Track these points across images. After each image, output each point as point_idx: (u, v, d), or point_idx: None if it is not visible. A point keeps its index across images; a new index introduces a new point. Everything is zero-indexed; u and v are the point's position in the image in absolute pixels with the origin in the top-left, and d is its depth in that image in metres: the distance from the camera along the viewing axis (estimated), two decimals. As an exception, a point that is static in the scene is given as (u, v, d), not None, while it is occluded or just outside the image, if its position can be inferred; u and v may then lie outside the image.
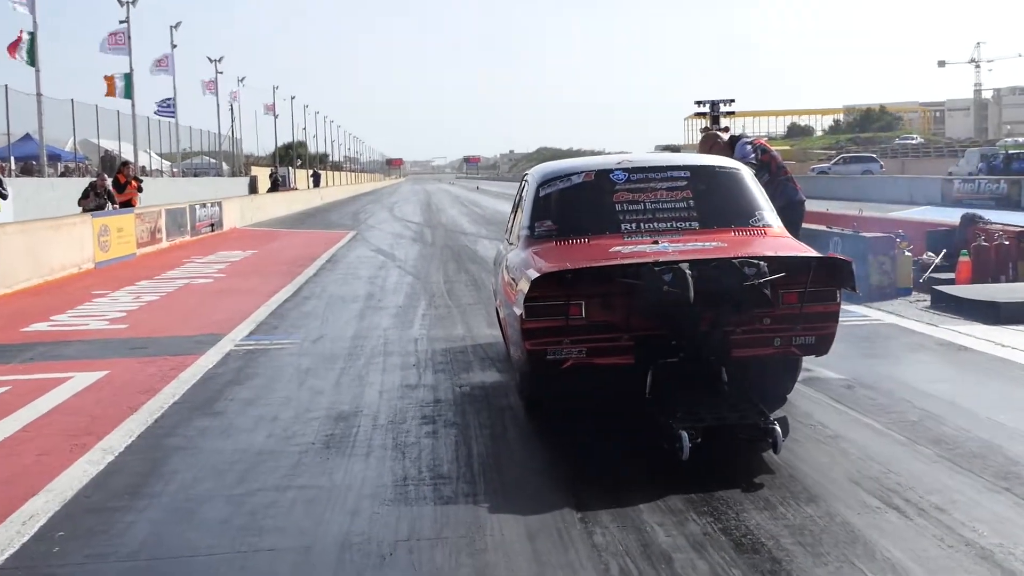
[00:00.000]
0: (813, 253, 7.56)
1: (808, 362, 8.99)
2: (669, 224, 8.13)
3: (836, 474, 6.45)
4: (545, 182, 8.66)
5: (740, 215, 8.31)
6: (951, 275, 14.66)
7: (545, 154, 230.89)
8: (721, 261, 6.92)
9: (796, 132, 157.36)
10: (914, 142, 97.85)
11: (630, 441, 7.26)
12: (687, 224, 8.12)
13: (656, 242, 7.74)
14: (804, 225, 11.87)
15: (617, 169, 8.51)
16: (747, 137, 11.19)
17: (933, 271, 15.09)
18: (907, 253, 14.50)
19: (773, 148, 11.30)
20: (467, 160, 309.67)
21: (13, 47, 31.46)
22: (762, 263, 6.88)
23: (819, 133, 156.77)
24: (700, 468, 6.48)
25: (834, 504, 5.91)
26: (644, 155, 9.91)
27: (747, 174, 8.82)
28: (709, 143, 11.43)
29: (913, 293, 14.10)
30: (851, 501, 5.95)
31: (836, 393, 8.50)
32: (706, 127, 31.63)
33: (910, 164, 76.91)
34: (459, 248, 25.51)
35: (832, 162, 74.67)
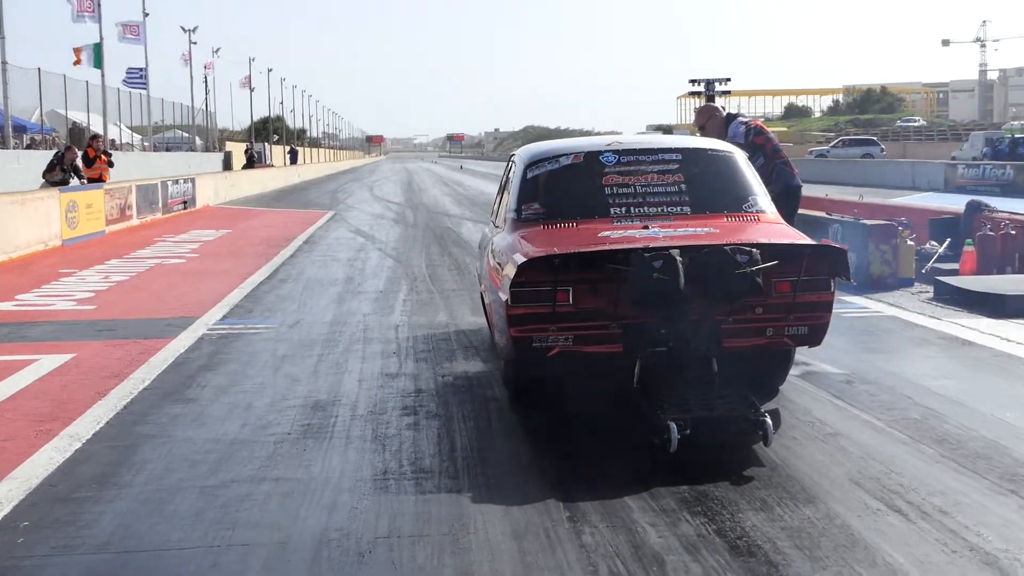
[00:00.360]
0: (807, 241, 7.39)
1: (807, 356, 8.92)
2: (660, 208, 7.93)
3: (836, 474, 6.22)
4: (532, 163, 8.45)
5: (733, 200, 8.11)
6: (955, 265, 14.25)
7: (532, 133, 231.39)
8: (713, 248, 6.76)
9: (794, 113, 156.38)
10: (916, 124, 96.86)
11: (620, 434, 7.07)
12: (678, 209, 7.93)
13: (646, 227, 7.55)
14: (804, 211, 11.61)
15: (607, 151, 8.30)
16: (743, 117, 10.89)
17: (936, 261, 14.68)
18: (909, 242, 14.06)
19: (770, 130, 10.97)
20: (451, 138, 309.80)
21: None
22: (755, 250, 6.73)
23: (817, 114, 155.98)
24: (694, 465, 6.28)
25: (833, 505, 5.69)
26: (635, 137, 9.74)
27: (741, 158, 8.62)
28: (706, 116, 11.11)
29: (915, 284, 13.66)
30: (851, 502, 5.74)
31: (835, 389, 8.26)
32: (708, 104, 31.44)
33: (912, 147, 75.57)
34: (442, 230, 25.15)
35: (831, 145, 73.29)
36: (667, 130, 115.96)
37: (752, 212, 8.03)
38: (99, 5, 42.72)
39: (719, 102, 36.44)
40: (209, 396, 8.44)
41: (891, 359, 9.44)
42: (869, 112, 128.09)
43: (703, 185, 8.13)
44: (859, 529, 5.36)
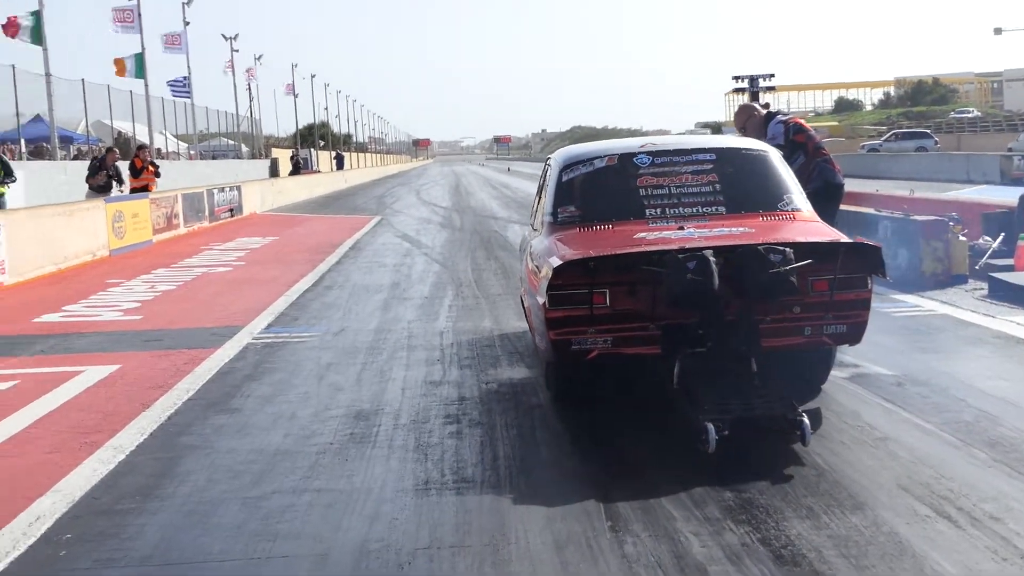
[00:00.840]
0: (842, 238, 7.36)
1: (856, 357, 8.84)
2: (695, 209, 7.96)
3: (884, 479, 6.10)
4: (567, 166, 8.51)
5: (768, 199, 8.13)
6: (1010, 261, 13.82)
7: (579, 133, 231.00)
8: (746, 248, 6.78)
9: (844, 107, 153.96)
10: (970, 115, 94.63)
11: (662, 439, 7.00)
12: (713, 209, 7.96)
13: (681, 228, 7.58)
14: (852, 208, 11.44)
15: (641, 152, 8.34)
16: (783, 115, 10.73)
17: (990, 257, 14.23)
18: (962, 238, 13.75)
19: (811, 127, 10.79)
20: (497, 140, 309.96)
21: (11, 28, 31.10)
22: (788, 249, 6.74)
23: (868, 108, 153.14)
24: (739, 472, 6.20)
25: (881, 512, 5.58)
26: (669, 138, 9.73)
27: (775, 156, 8.61)
28: (744, 116, 11.01)
29: (969, 281, 13.33)
30: (900, 509, 5.63)
31: (885, 391, 8.10)
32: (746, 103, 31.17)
33: (967, 139, 73.75)
34: (488, 234, 25.07)
35: (883, 139, 71.88)
36: (715, 128, 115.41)
37: (787, 211, 8.03)
38: (139, 15, 42.97)
39: (766, 98, 36.08)
40: (253, 406, 8.44)
41: (943, 359, 9.24)
42: (921, 104, 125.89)
43: (738, 185, 8.14)
44: (907, 537, 5.25)
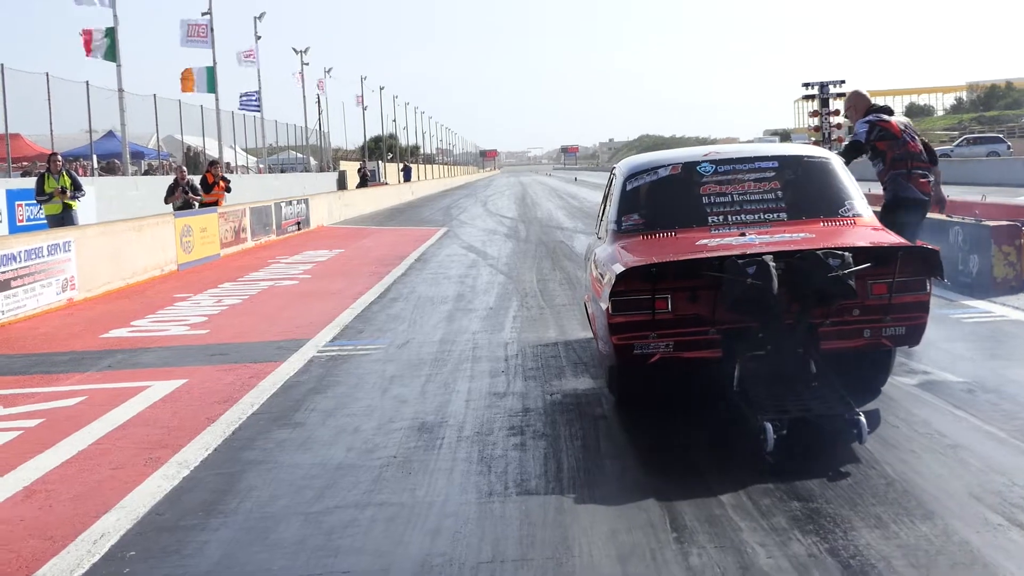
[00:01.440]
0: (900, 242, 7.46)
1: (926, 364, 8.82)
2: (756, 216, 8.07)
3: (955, 488, 5.97)
4: (632, 175, 8.64)
5: (829, 205, 8.23)
6: None
7: (646, 142, 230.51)
8: (805, 253, 6.91)
9: (915, 112, 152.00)
10: None
11: (725, 445, 6.98)
12: (775, 215, 8.08)
13: (743, 234, 7.69)
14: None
15: (704, 161, 8.45)
16: (880, 116, 10.38)
17: None
18: (1035, 243, 13.50)
19: (909, 136, 10.29)
20: (565, 150, 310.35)
21: (87, 46, 31.52)
22: (847, 254, 6.87)
23: (940, 113, 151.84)
24: (805, 481, 6.12)
25: (952, 521, 5.46)
26: (732, 146, 9.77)
27: (836, 163, 8.69)
28: (849, 103, 10.83)
29: None
30: (970, 518, 5.50)
31: (956, 398, 7.94)
32: (814, 111, 30.76)
33: None
34: (554, 244, 24.98)
35: (955, 144, 70.87)
36: (784, 135, 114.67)
37: (848, 216, 8.12)
38: (211, 30, 43.39)
39: (834, 104, 35.68)
40: (316, 420, 8.43)
41: (1015, 366, 9.06)
42: (994, 109, 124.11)
43: (799, 191, 8.26)
44: (979, 546, 5.13)
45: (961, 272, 13.51)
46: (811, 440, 6.70)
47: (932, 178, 10.24)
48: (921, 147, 10.29)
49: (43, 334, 13.77)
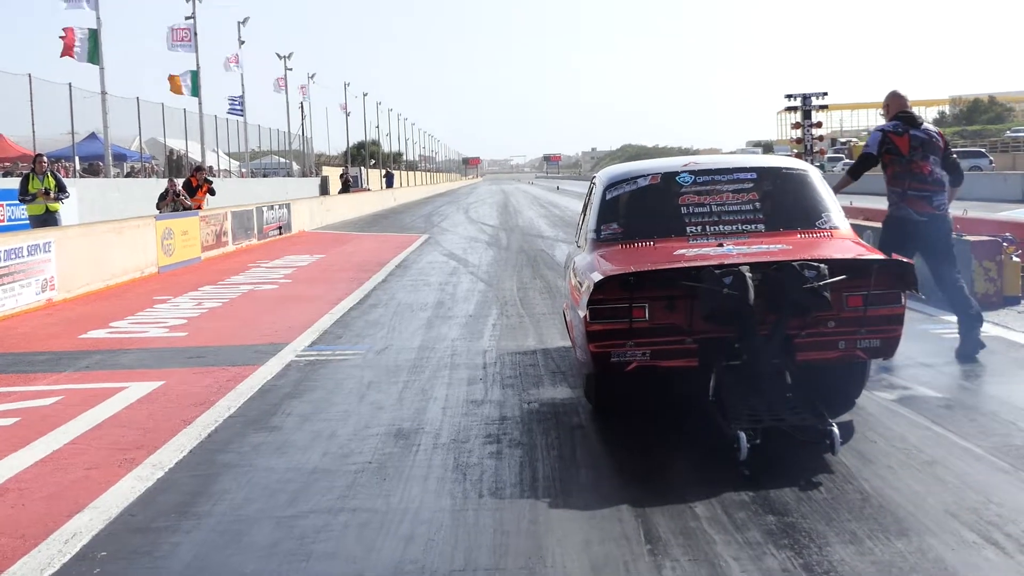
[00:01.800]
0: (876, 255, 7.55)
1: (905, 379, 8.86)
2: (735, 227, 8.15)
3: (930, 505, 5.96)
4: (611, 185, 8.71)
5: (807, 217, 8.31)
6: None
7: (629, 151, 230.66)
8: (781, 264, 6.99)
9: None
10: None
11: (702, 456, 6.98)
12: (753, 227, 8.15)
13: (721, 245, 7.75)
14: None
15: (683, 171, 8.52)
16: (897, 126, 10.09)
17: None
18: (1015, 258, 13.55)
19: (921, 156, 9.96)
20: (547, 159, 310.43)
21: (69, 46, 31.43)
22: (823, 266, 6.96)
23: (926, 125, 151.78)
24: (781, 494, 6.12)
25: (927, 538, 5.45)
26: (711, 157, 9.82)
27: (815, 175, 8.77)
28: (884, 104, 10.49)
29: (1022, 303, 13.17)
30: (946, 535, 5.49)
31: (934, 414, 7.95)
32: (796, 123, 30.80)
33: (1022, 159, 73.18)
34: (535, 253, 24.97)
35: None
36: (767, 147, 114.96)
37: (825, 228, 8.20)
38: (195, 34, 43.36)
39: (816, 116, 35.67)
40: (293, 424, 8.40)
41: (994, 382, 9.09)
42: (977, 123, 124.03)
43: (777, 203, 8.35)
44: (953, 563, 5.13)
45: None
46: (785, 451, 6.73)
47: (938, 198, 9.94)
48: (932, 167, 9.98)
49: (21, 334, 13.70)
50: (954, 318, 10.16)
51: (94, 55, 32.08)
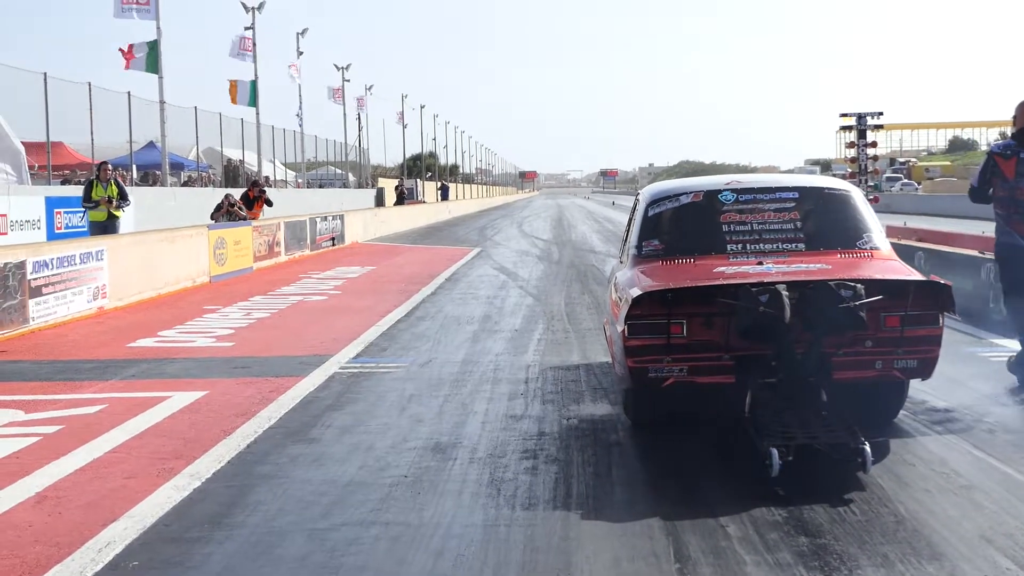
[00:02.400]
0: (914, 276, 7.64)
1: (947, 402, 8.80)
2: (775, 245, 8.21)
3: (966, 529, 5.89)
4: (654, 202, 8.77)
5: (847, 237, 8.35)
6: None
7: (686, 167, 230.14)
8: (817, 283, 7.03)
9: (958, 146, 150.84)
10: None
11: (736, 474, 6.98)
12: (793, 246, 8.20)
13: (760, 263, 7.82)
14: (956, 250, 10.56)
15: (726, 190, 8.57)
16: (1006, 148, 9.69)
17: None
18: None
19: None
20: (604, 173, 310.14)
21: (128, 59, 31.80)
22: (859, 286, 6.99)
23: (984, 147, 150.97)
24: (815, 515, 6.08)
25: (960, 564, 5.39)
26: (755, 176, 9.83)
27: (856, 195, 8.79)
28: (1014, 115, 10.13)
29: None
30: (979, 561, 5.42)
31: (976, 438, 7.86)
32: (850, 142, 30.48)
33: None
34: (586, 268, 24.92)
35: None
36: (825, 165, 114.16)
37: (866, 249, 8.23)
38: (254, 44, 43.74)
39: (871, 136, 35.29)
40: (332, 436, 8.43)
41: (1040, 406, 8.95)
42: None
43: (818, 222, 8.41)
44: (986, 590, 5.07)
45: (992, 310, 13.39)
46: (819, 469, 6.70)
47: None
48: None
49: (71, 341, 13.84)
50: (1004, 340, 9.98)
51: (152, 64, 32.38)
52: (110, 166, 22.16)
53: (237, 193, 27.88)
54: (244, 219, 25.92)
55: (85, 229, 22.20)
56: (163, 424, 8.90)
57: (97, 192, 21.29)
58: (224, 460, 7.71)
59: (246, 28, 43.93)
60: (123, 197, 21.66)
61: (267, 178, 43.58)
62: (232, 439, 8.30)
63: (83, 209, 22.16)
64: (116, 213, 21.52)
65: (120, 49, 32.04)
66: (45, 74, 26.73)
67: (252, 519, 6.42)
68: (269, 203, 28.71)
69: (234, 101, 42.47)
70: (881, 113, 35.94)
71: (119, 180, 22.59)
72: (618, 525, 6.12)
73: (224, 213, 25.67)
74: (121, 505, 6.68)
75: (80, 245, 16.95)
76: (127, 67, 32.08)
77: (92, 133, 29.17)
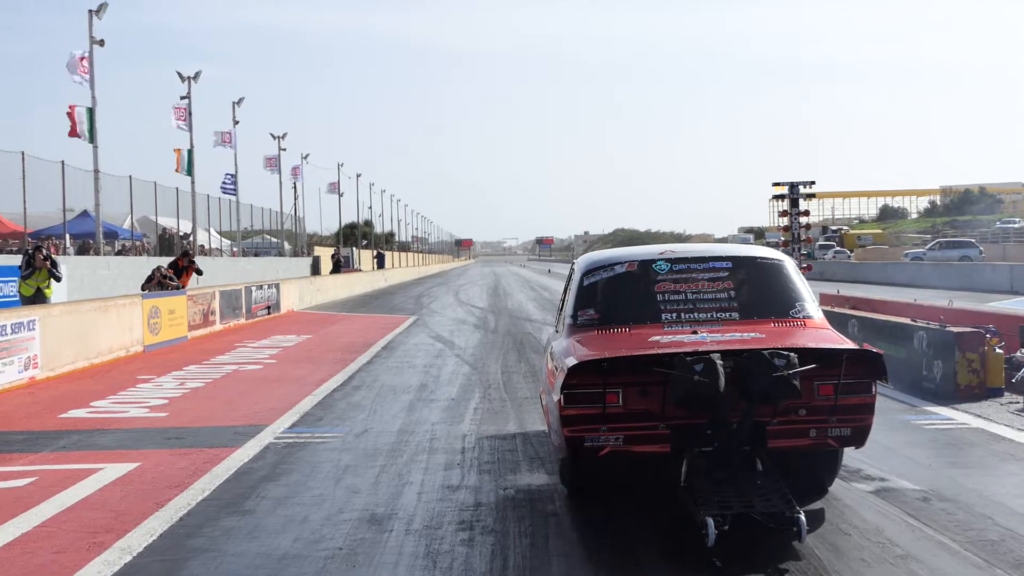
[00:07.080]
0: (846, 345, 7.64)
1: (883, 471, 8.85)
2: (709, 315, 8.28)
3: (901, 600, 5.91)
4: (589, 271, 8.82)
5: (781, 306, 8.45)
6: None
7: (621, 235, 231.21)
8: (751, 352, 7.06)
9: (889, 214, 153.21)
10: (1016, 226, 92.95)
11: (673, 545, 7.01)
12: (727, 315, 8.28)
13: (695, 332, 7.88)
14: (888, 318, 10.68)
15: (660, 259, 8.65)
16: None
17: None
18: (998, 350, 13.43)
19: None
20: (540, 241, 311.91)
21: (74, 125, 31.69)
22: (792, 354, 6.99)
23: (914, 215, 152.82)
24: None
25: (897, 634, 5.39)
26: (689, 245, 9.89)
27: (790, 265, 8.90)
28: None
29: (1005, 394, 12.97)
30: (915, 631, 5.43)
31: (911, 507, 7.90)
32: (783, 211, 30.88)
33: (1012, 249, 72.27)
34: (522, 336, 24.93)
35: (927, 247, 71.28)
36: (758, 233, 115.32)
37: (799, 318, 8.32)
38: (190, 114, 43.68)
39: (803, 205, 35.69)
40: (266, 508, 8.33)
41: (973, 475, 8.98)
42: (967, 213, 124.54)
43: (752, 292, 8.50)
44: (923, 659, 5.08)
45: (925, 378, 13.52)
46: (755, 539, 6.71)
47: None
48: None
49: (1, 413, 13.62)
50: (939, 408, 10.07)
51: (90, 133, 32.28)
52: (43, 252, 21.79)
53: (167, 262, 27.65)
54: (177, 287, 25.71)
55: (16, 299, 21.93)
56: (94, 497, 8.76)
57: (31, 282, 21.15)
58: (156, 533, 7.59)
59: (182, 97, 43.88)
60: (56, 279, 21.48)
61: (202, 246, 43.40)
62: (165, 511, 8.18)
63: (16, 279, 21.87)
64: (47, 292, 21.31)
65: (70, 107, 31.88)
66: (-24, 144, 26.45)
67: (184, 594, 6.32)
68: (199, 272, 28.50)
69: (178, 170, 42.45)
70: (813, 182, 36.35)
71: (53, 258, 22.22)
72: (555, 597, 6.08)
73: (156, 284, 25.44)
74: (50, 581, 6.55)
75: (11, 315, 16.72)
76: (71, 134, 31.91)
77: (25, 203, 28.91)
